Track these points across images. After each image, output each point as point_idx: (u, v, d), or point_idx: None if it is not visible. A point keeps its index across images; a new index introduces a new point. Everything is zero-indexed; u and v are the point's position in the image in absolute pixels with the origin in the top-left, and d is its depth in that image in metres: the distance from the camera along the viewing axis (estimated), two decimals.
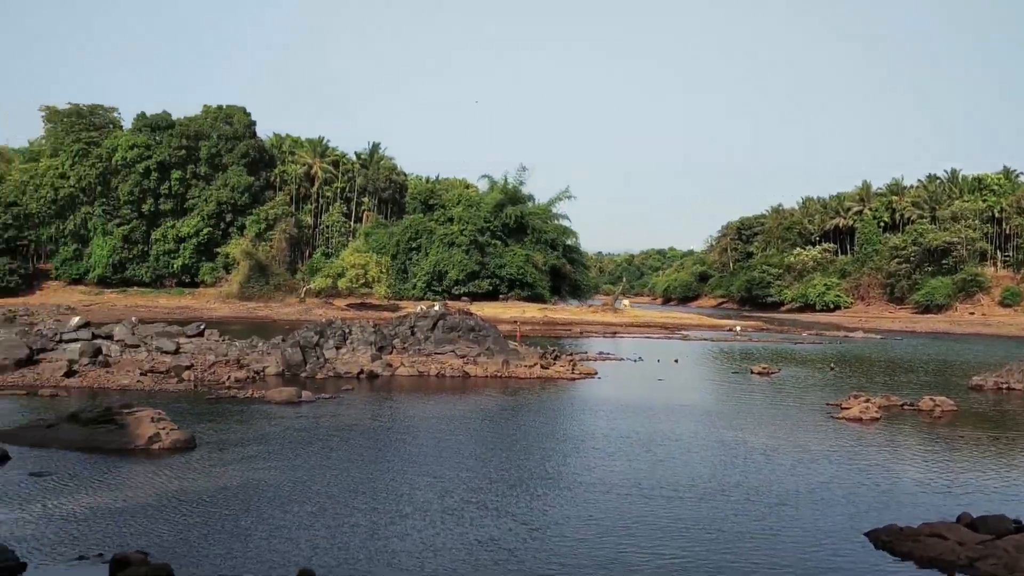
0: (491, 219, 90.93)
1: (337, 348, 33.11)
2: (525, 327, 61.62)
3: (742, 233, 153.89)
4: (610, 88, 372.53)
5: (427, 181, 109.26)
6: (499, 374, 32.58)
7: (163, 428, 18.04)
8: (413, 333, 35.30)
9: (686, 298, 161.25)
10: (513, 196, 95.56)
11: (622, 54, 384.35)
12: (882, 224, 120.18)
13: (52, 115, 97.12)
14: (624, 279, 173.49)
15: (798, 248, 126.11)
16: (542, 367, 33.71)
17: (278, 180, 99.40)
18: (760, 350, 50.16)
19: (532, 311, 79.43)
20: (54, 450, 17.61)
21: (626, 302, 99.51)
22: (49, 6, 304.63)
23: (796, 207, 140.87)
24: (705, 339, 59.71)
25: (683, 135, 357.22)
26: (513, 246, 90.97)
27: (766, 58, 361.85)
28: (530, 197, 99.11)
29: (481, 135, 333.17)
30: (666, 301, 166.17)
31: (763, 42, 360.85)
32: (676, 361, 41.41)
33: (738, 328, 70.58)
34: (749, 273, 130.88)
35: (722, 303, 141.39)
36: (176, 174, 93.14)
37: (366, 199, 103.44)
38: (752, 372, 36.25)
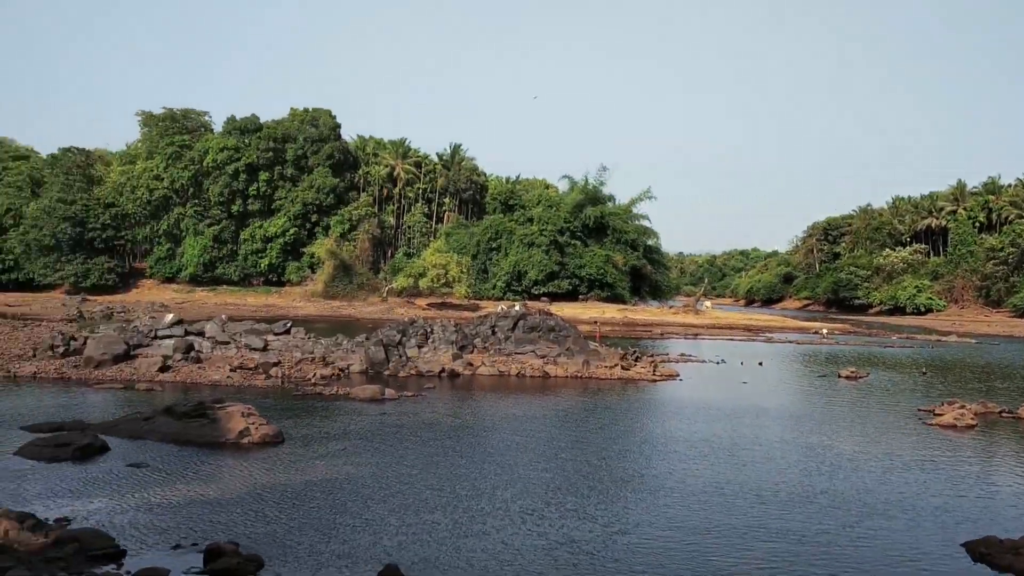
0: (571, 219, 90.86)
1: (419, 347, 33.54)
2: (605, 328, 61.33)
3: (828, 233, 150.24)
4: (688, 86, 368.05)
5: (507, 181, 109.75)
6: (579, 375, 32.52)
7: (253, 423, 18.57)
8: (494, 333, 35.50)
9: (769, 300, 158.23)
10: (593, 196, 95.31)
11: (707, 52, 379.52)
12: (977, 224, 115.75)
13: (148, 119, 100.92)
14: (706, 280, 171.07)
15: (887, 249, 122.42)
16: (623, 368, 33.52)
17: (362, 181, 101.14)
18: (847, 353, 48.87)
19: (612, 312, 79.04)
20: (150, 442, 18.30)
21: (708, 303, 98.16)
22: (145, 17, 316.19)
23: (885, 207, 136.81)
24: (790, 342, 58.46)
25: (764, 134, 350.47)
26: (593, 246, 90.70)
27: (851, 56, 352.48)
28: (611, 197, 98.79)
29: (558, 134, 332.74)
30: (749, 303, 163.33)
31: (849, 40, 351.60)
32: (760, 364, 40.67)
33: (824, 331, 68.88)
34: (836, 274, 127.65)
35: (807, 305, 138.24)
36: (264, 175, 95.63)
37: (447, 199, 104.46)
38: (839, 376, 35.36)
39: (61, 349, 31.56)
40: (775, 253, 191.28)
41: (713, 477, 16.42)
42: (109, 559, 10.65)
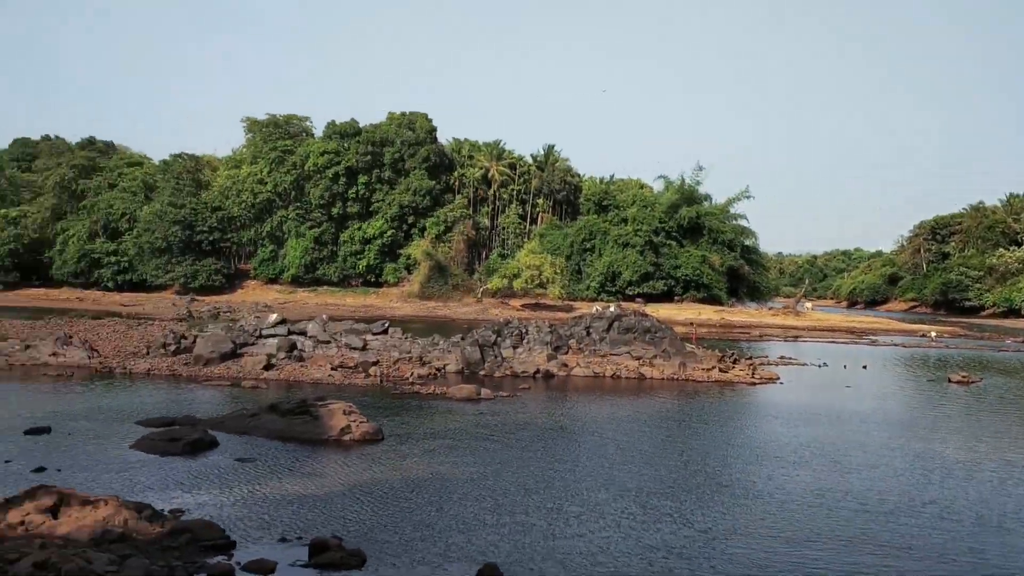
0: (666, 219, 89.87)
1: (514, 347, 33.73)
2: (701, 329, 60.45)
3: (937, 233, 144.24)
4: (792, 85, 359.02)
5: (601, 182, 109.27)
6: (675, 376, 32.15)
7: (354, 420, 19.02)
8: (588, 334, 35.42)
9: (873, 301, 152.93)
10: (689, 196, 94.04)
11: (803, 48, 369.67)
12: None
13: (252, 125, 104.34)
14: (806, 281, 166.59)
15: (1001, 249, 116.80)
16: (720, 370, 32.98)
17: (457, 183, 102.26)
18: (957, 357, 46.90)
19: (708, 313, 77.83)
20: (256, 438, 18.94)
21: (808, 305, 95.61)
22: (250, 29, 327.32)
23: (999, 204, 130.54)
24: (895, 344, 56.44)
25: (858, 133, 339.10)
26: (688, 247, 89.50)
27: (965, 50, 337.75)
28: (707, 197, 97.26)
29: (651, 132, 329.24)
30: (851, 304, 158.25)
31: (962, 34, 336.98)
32: (864, 367, 39.42)
33: (933, 333, 66.24)
34: (945, 275, 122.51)
35: (914, 307, 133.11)
36: (363, 179, 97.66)
37: (541, 200, 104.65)
38: (949, 381, 33.98)
39: (172, 347, 32.95)
40: (879, 253, 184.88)
41: (815, 484, 16.01)
42: (220, 550, 11.08)
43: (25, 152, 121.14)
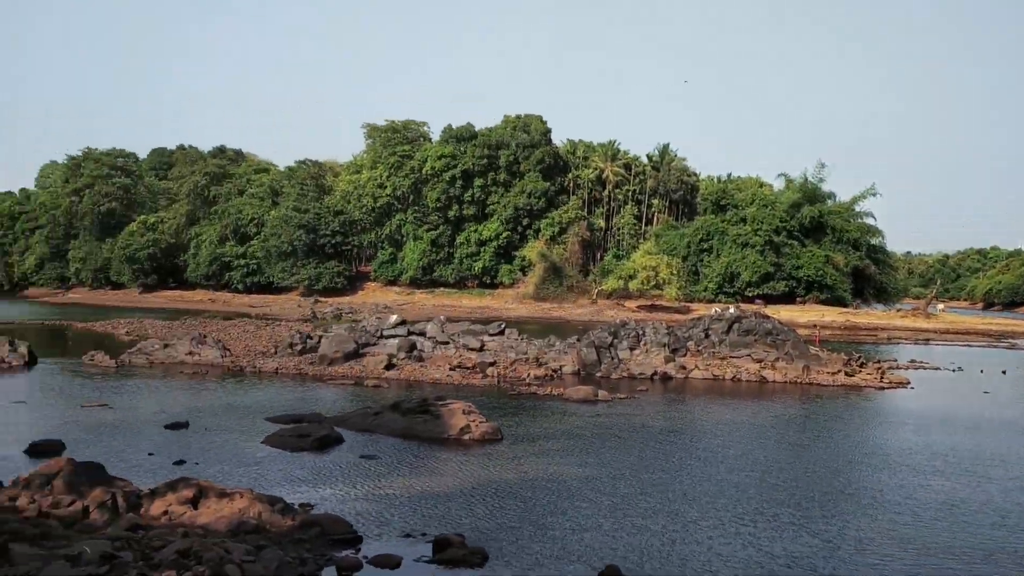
0: (787, 218, 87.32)
1: (631, 349, 33.49)
2: (824, 331, 58.54)
3: None
4: (922, 76, 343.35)
5: (718, 181, 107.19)
6: (798, 380, 31.23)
7: (473, 420, 19.29)
8: (707, 336, 34.83)
9: (1012, 303, 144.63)
10: (811, 194, 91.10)
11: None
12: None
13: (372, 132, 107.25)
14: (938, 282, 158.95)
15: None
16: (846, 374, 31.87)
17: (571, 185, 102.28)
18: None
19: (832, 315, 75.25)
20: (379, 435, 19.46)
21: (940, 306, 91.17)
22: (367, 38, 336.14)
23: None
24: None
25: (996, 124, 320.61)
26: (811, 246, 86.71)
27: None
28: (830, 195, 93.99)
29: (779, 128, 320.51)
30: (987, 306, 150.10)
31: None
32: (1003, 372, 37.36)
33: None
34: None
35: None
36: (478, 181, 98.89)
37: (656, 201, 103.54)
38: None
39: (299, 347, 34.18)
40: (1019, 252, 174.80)
41: (949, 494, 15.29)
42: (347, 544, 11.45)
43: (162, 161, 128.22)
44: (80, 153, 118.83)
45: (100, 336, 47.80)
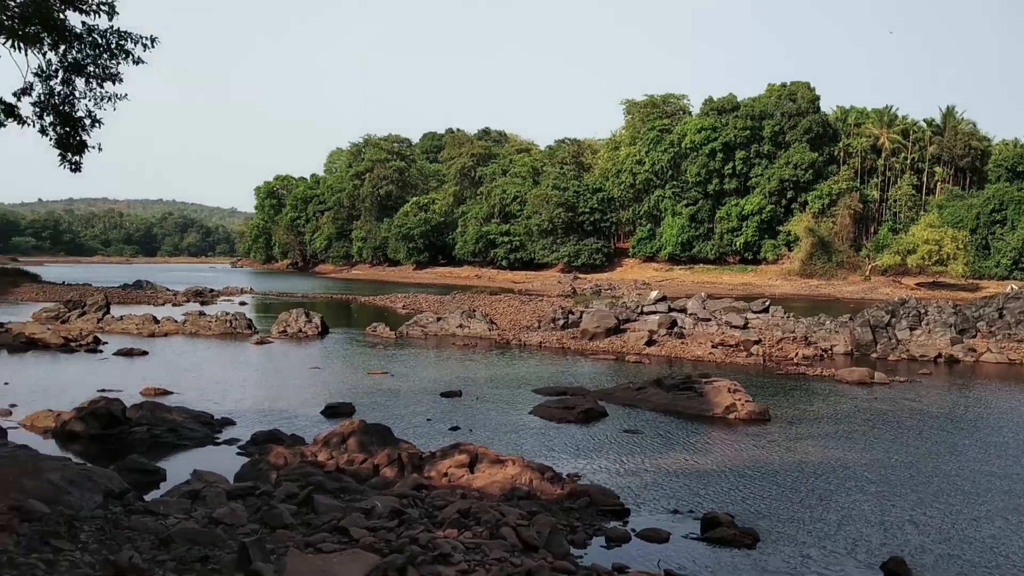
0: None
1: (911, 329, 31.07)
2: None
3: None
4: None
5: (1015, 145, 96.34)
6: None
7: (739, 399, 18.78)
8: (1001, 316, 31.55)
9: None
10: None
11: None
12: None
13: (631, 107, 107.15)
14: None
15: None
16: None
17: (842, 154, 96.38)
18: None
19: None
20: (641, 410, 19.46)
21: None
22: (622, 8, 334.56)
23: None
24: None
25: None
26: None
27: None
28: None
29: None
30: None
31: None
32: None
33: None
34: None
35: None
36: (740, 154, 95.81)
37: (939, 169, 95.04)
38: None
39: (561, 322, 34.99)
40: None
41: None
42: (615, 516, 11.55)
43: (433, 145, 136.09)
44: (361, 140, 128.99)
45: (380, 309, 51.70)
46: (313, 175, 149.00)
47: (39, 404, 18.04)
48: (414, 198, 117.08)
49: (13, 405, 18.36)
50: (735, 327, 32.23)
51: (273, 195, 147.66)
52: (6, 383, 21.69)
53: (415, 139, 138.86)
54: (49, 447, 14.68)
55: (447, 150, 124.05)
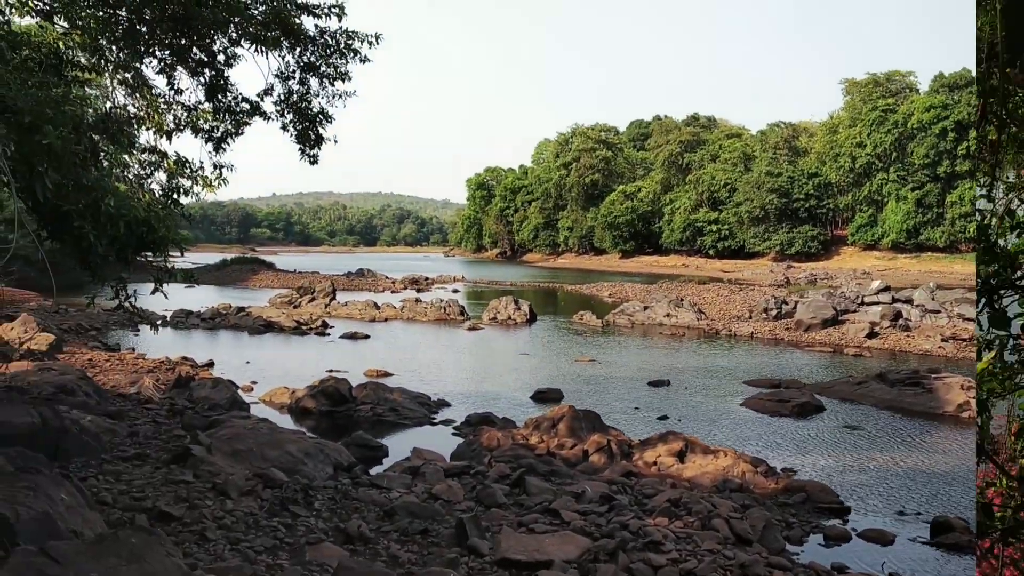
0: None
1: None
2: None
3: None
4: None
5: None
6: None
7: (973, 397, 17.38)
8: None
9: None
10: None
11: None
12: None
13: (851, 87, 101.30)
14: None
15: None
16: None
17: None
18: None
19: None
20: (862, 406, 18.44)
21: None
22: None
23: None
24: None
25: None
26: None
27: None
28: None
29: None
30: None
31: None
32: None
33: None
34: None
35: None
36: (974, 133, 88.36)
37: None
38: None
39: (774, 312, 33.80)
40: None
41: None
42: (834, 514, 11.03)
43: (640, 132, 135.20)
44: (568, 130, 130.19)
45: (586, 298, 52.07)
46: (521, 166, 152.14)
47: (276, 382, 19.62)
48: (621, 187, 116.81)
49: (254, 382, 20.09)
50: (969, 320, 29.81)
51: (483, 187, 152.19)
52: (248, 362, 23.76)
53: (622, 127, 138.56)
54: (285, 421, 15.93)
55: (654, 137, 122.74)
